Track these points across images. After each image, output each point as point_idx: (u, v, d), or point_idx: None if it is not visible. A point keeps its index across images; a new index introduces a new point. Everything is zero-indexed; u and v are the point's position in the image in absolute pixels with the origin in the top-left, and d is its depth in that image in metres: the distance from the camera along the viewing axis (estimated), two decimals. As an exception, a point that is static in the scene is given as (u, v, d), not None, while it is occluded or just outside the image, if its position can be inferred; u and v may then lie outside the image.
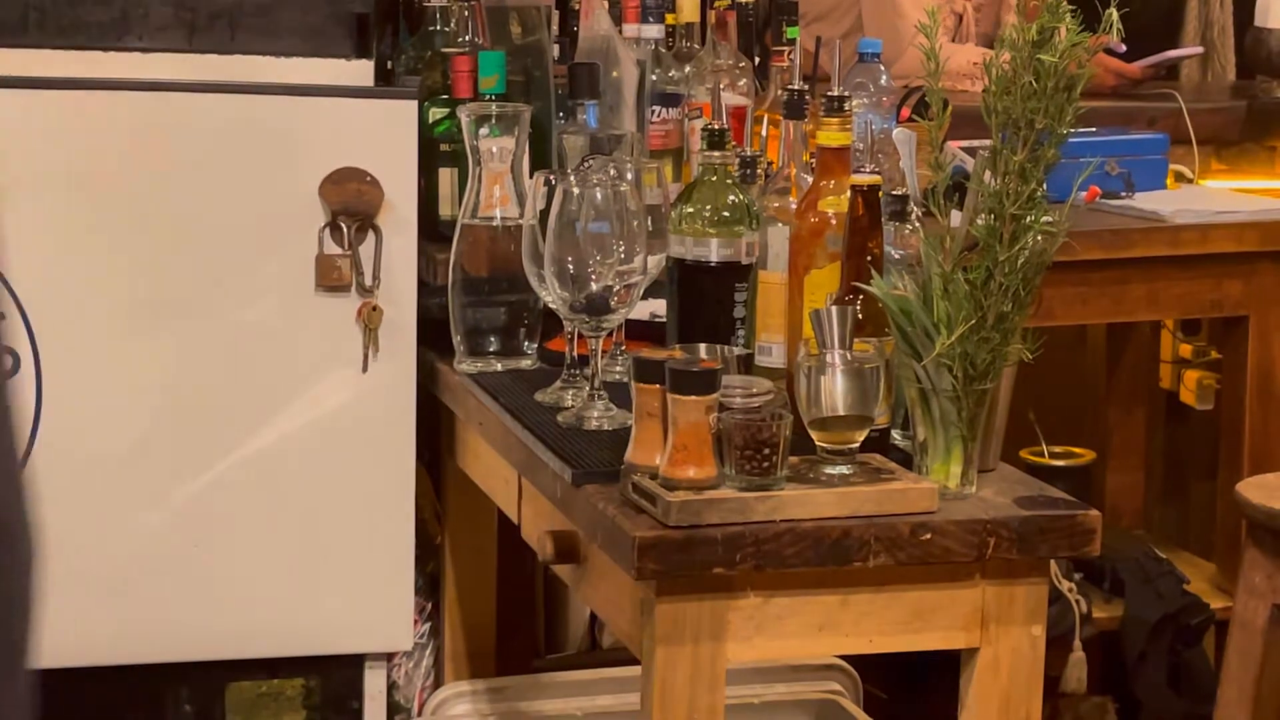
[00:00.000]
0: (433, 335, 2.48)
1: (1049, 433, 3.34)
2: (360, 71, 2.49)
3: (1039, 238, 1.79)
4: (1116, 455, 3.47)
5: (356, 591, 2.49)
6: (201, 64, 2.43)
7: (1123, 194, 3.07)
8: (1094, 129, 3.09)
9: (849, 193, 1.93)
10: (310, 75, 2.46)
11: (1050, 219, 1.79)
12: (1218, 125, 3.48)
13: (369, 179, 2.42)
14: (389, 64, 2.86)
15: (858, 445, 1.84)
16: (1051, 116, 1.71)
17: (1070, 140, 1.80)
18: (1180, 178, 3.24)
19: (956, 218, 1.82)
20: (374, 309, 2.44)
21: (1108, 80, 3.64)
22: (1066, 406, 3.48)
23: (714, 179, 2.09)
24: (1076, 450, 3.40)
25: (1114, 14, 1.66)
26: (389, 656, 2.61)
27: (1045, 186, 1.79)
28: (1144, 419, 3.52)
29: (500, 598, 2.74)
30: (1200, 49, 4.12)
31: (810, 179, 2.03)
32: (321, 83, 2.45)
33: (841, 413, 1.82)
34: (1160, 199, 3.06)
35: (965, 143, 2.76)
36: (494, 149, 2.37)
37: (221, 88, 2.41)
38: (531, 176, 2.26)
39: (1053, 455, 3.36)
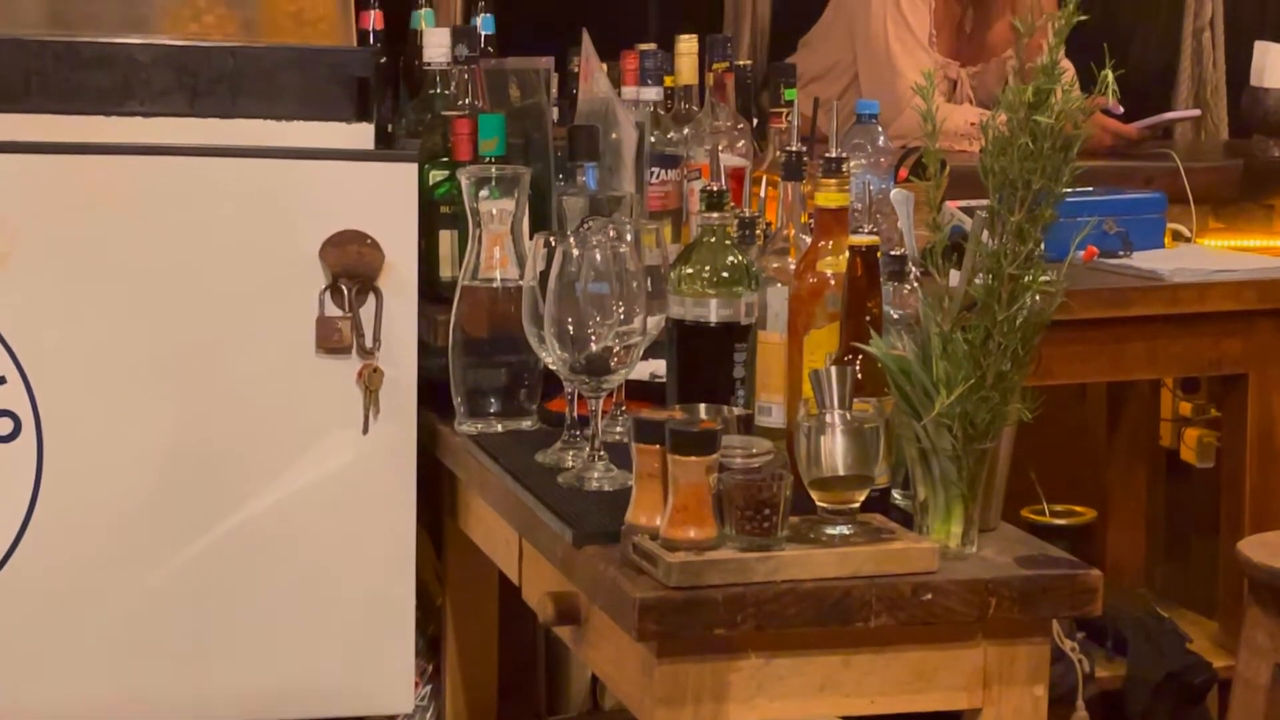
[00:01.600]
0: (433, 396, 2.48)
1: (1050, 491, 3.34)
2: (361, 135, 2.50)
3: (1037, 297, 1.80)
4: (1118, 513, 3.47)
5: (357, 653, 2.48)
6: (203, 128, 2.44)
7: (1121, 253, 3.09)
8: (1091, 188, 3.11)
9: (847, 253, 1.93)
10: (311, 139, 2.47)
11: (1048, 278, 1.79)
12: (1215, 184, 3.50)
13: (370, 241, 2.43)
14: (389, 127, 2.88)
15: (858, 505, 1.84)
16: (1048, 177, 1.72)
17: (1068, 200, 1.80)
18: (1178, 236, 3.25)
19: (955, 277, 1.83)
20: (375, 371, 2.45)
21: (1105, 140, 3.66)
22: (1067, 465, 3.48)
23: (713, 240, 2.10)
24: (1078, 509, 3.40)
25: (1109, 75, 1.67)
26: (390, 719, 2.60)
27: (1043, 246, 1.80)
28: (1145, 477, 3.52)
29: (501, 659, 2.74)
30: (1198, 111, 4.15)
31: (809, 239, 2.04)
32: (322, 146, 2.46)
33: (842, 473, 1.82)
34: (1158, 258, 3.07)
35: (963, 202, 2.77)
36: (494, 211, 2.38)
37: (223, 151, 2.42)
38: (531, 238, 2.27)
39: (1054, 513, 3.36)
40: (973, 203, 2.59)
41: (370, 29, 3.09)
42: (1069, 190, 1.78)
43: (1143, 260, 3.05)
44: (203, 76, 2.45)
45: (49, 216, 2.38)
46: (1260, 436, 3.03)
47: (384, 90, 2.88)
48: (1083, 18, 1.69)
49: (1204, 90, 4.32)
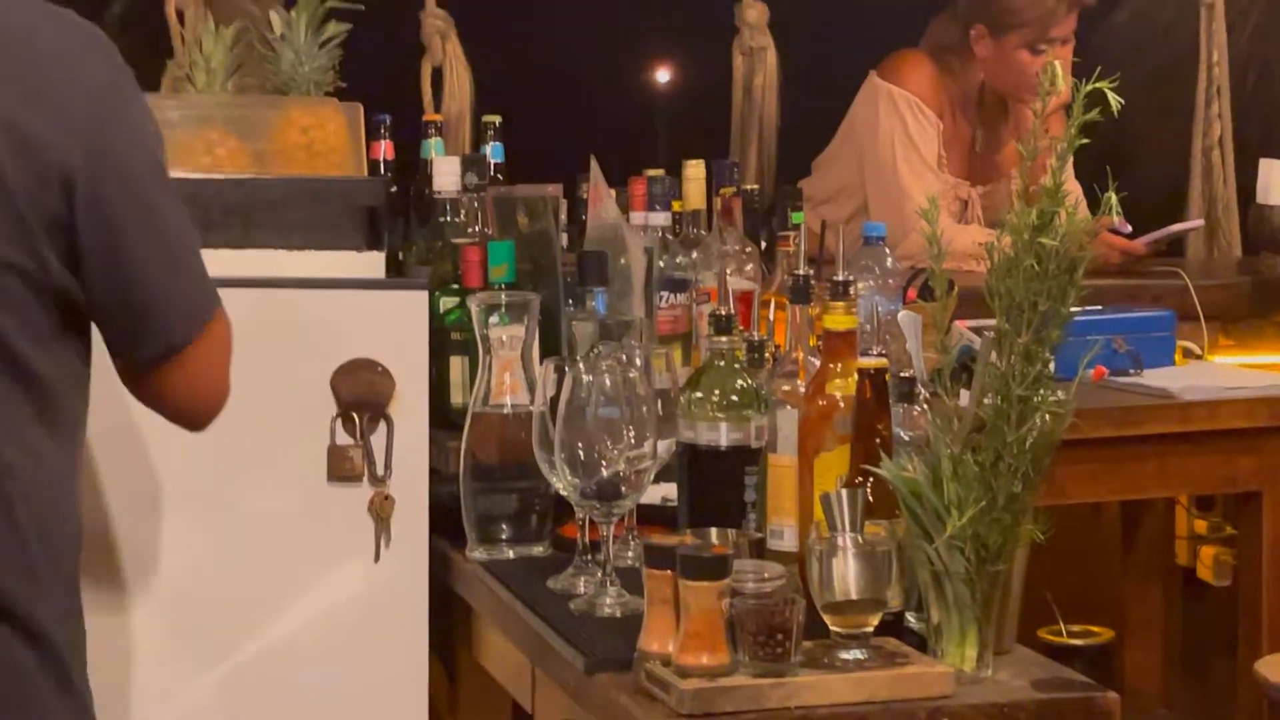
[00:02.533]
0: (445, 523, 2.48)
1: (1066, 611, 3.32)
2: (372, 263, 2.52)
3: (1047, 417, 1.80)
4: (1135, 633, 3.44)
5: (370, 784, 2.46)
6: (215, 259, 2.44)
7: (1131, 371, 3.09)
8: (1100, 306, 3.12)
9: (856, 376, 1.94)
10: (323, 268, 2.48)
11: (1058, 398, 1.79)
12: (1225, 301, 3.50)
13: (380, 369, 2.44)
14: (400, 254, 2.90)
15: (872, 629, 1.83)
16: (1054, 299, 1.72)
17: (1077, 318, 1.81)
18: (1189, 354, 3.25)
19: (966, 398, 1.83)
20: (386, 498, 2.45)
21: (1113, 257, 3.67)
22: (1083, 584, 3.46)
23: (722, 364, 2.11)
24: (1094, 629, 3.38)
25: (1113, 198, 1.68)
26: None
27: (1052, 365, 1.80)
28: (1161, 596, 3.50)
29: (515, 788, 2.71)
30: (1201, 222, 4.16)
31: (818, 362, 2.05)
32: (333, 275, 2.47)
33: (854, 596, 1.81)
34: (1169, 375, 3.07)
35: (972, 322, 2.77)
36: (504, 337, 2.39)
37: (234, 282, 2.43)
38: (541, 363, 2.28)
39: (1070, 634, 3.33)
40: (982, 322, 2.59)
41: (381, 158, 3.11)
42: (1077, 309, 1.79)
43: (1154, 378, 3.05)
44: (214, 209, 2.47)
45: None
46: (1276, 554, 3.01)
47: (395, 218, 2.90)
48: (1084, 141, 1.70)
49: (1215, 208, 4.35)
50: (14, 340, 1.80)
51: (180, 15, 3.68)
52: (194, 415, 1.99)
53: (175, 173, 2.51)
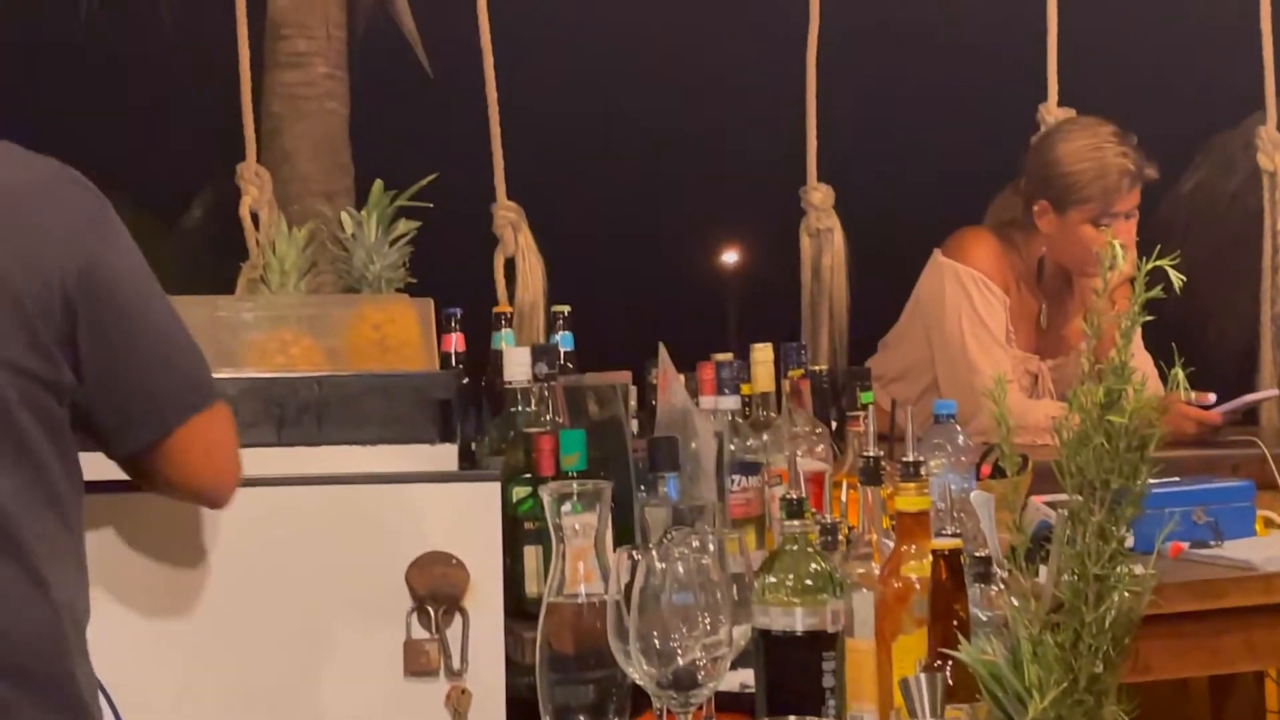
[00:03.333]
0: (522, 715, 2.46)
1: (1158, 791, 3.24)
2: (444, 455, 2.54)
3: (1126, 594, 1.77)
4: (1231, 810, 3.36)
5: None
6: (290, 456, 2.49)
7: (1212, 543, 3.05)
8: (1178, 478, 3.09)
9: (931, 557, 1.93)
10: (396, 462, 2.50)
11: (1137, 573, 1.77)
12: (1303, 469, 3.45)
13: (455, 562, 2.45)
14: (473, 445, 2.92)
15: (956, 816, 1.79)
16: (1126, 476, 1.71)
17: (1154, 491, 1.79)
18: (1270, 523, 3.21)
19: (1044, 575, 1.81)
20: (463, 692, 2.44)
21: (1188, 428, 3.64)
22: (1174, 762, 3.38)
23: (795, 548, 2.10)
24: (1189, 807, 3.29)
25: (1179, 374, 1.68)
26: None
27: (1131, 538, 1.78)
28: (1256, 771, 3.42)
29: None
30: (1276, 392, 4.14)
31: (891, 544, 2.04)
32: (407, 469, 2.49)
33: (937, 783, 1.78)
34: (1250, 546, 3.03)
35: (1049, 497, 2.75)
36: (577, 526, 2.39)
37: (309, 480, 2.46)
38: (615, 551, 2.27)
39: (1164, 814, 3.25)
40: (1057, 497, 2.57)
41: (452, 351, 3.15)
42: (1154, 481, 1.77)
43: (1235, 549, 3.01)
44: (289, 406, 2.50)
45: (135, 551, 2.41)
46: (1371, 726, 2.94)
47: (466, 410, 2.92)
48: (1149, 318, 1.70)
49: (1288, 369, 4.33)
50: (32, 436, 2.03)
51: (254, 217, 3.76)
52: (210, 490, 2.21)
53: (250, 372, 2.57)
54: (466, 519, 2.48)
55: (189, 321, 2.19)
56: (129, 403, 2.11)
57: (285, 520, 2.44)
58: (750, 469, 2.72)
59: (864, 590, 2.07)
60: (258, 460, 2.48)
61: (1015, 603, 1.80)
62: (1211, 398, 3.62)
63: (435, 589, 2.44)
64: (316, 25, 4.71)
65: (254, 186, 3.81)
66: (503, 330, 3.22)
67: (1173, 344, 1.71)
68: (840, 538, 2.21)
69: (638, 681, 2.13)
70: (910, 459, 1.99)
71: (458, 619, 2.45)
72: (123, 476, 2.37)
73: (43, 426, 2.04)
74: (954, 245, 3.98)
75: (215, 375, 2.37)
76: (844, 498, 2.47)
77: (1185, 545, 2.99)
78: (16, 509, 2.01)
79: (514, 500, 2.66)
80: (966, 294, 3.88)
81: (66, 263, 2.03)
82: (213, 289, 3.69)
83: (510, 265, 4.00)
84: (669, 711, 2.11)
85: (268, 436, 2.49)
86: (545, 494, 2.43)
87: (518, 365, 2.87)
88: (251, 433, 2.48)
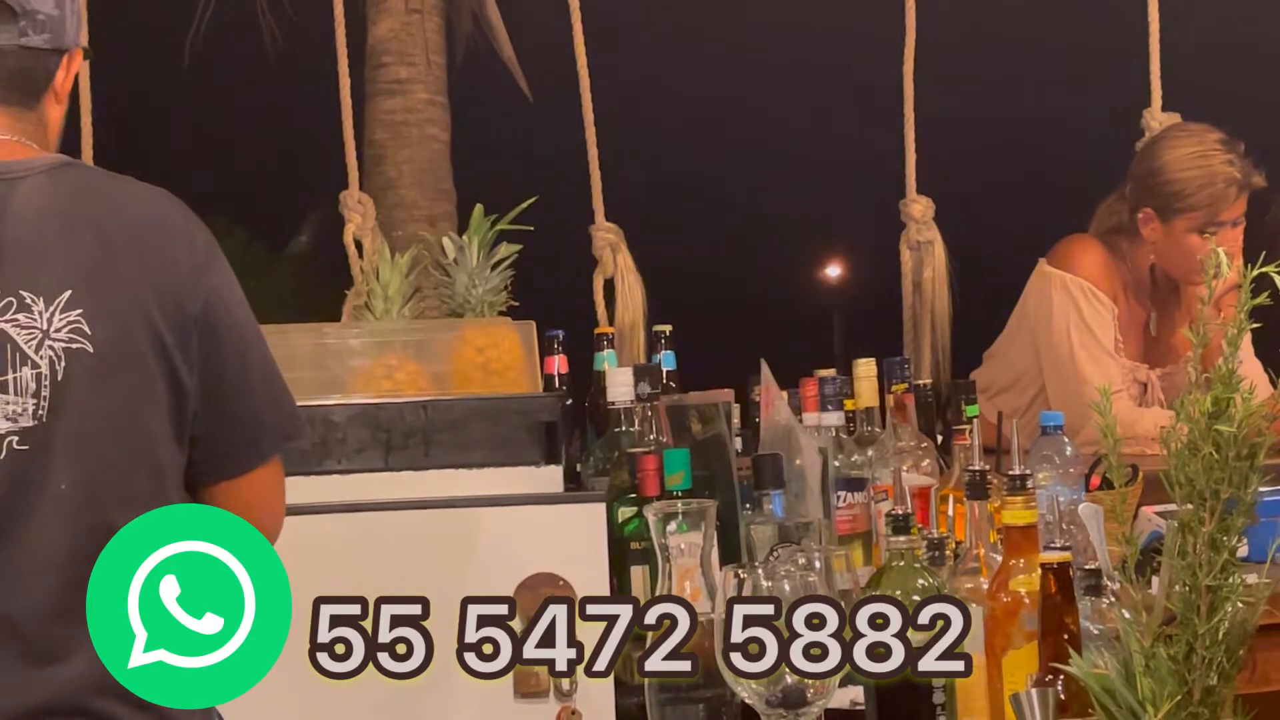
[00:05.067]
0: (632, 735, 2.47)
1: (1280, 803, 3.18)
2: (550, 477, 2.55)
3: (1239, 605, 1.75)
4: (1356, 823, 3.29)
5: None
6: (398, 481, 2.51)
7: (1327, 549, 2.99)
8: (1292, 485, 3.04)
9: (1039, 570, 1.91)
10: (502, 484, 2.52)
11: (1250, 581, 1.74)
12: None
13: (561, 583, 2.46)
14: (578, 466, 2.93)
15: (1071, 832, 1.78)
16: (1236, 485, 1.69)
17: (1266, 499, 1.77)
18: (1387, 528, 3.15)
19: (1156, 585, 1.79)
20: (573, 713, 2.45)
21: (1301, 434, 3.58)
22: (1296, 774, 3.32)
23: (902, 563, 2.09)
24: (1312, 820, 3.23)
25: (1288, 380, 1.65)
26: None
27: (1244, 547, 1.76)
28: (1381, 782, 3.35)
29: None
30: (1388, 396, 4.06)
31: (999, 558, 2.02)
32: (513, 491, 2.51)
33: (1051, 798, 1.76)
34: (1369, 552, 2.97)
35: (1160, 507, 2.72)
36: (682, 545, 2.40)
37: (416, 504, 2.48)
38: (721, 569, 2.27)
39: (1287, 827, 3.19)
40: (1168, 507, 2.54)
41: (555, 373, 3.17)
42: (1267, 489, 1.74)
43: (1352, 556, 2.96)
44: (396, 431, 2.53)
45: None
46: None
47: (571, 431, 2.94)
48: (1256, 325, 1.68)
49: (1401, 379, 4.25)
50: (168, 473, 2.08)
51: (358, 245, 3.80)
52: (275, 528, 2.24)
53: (357, 398, 2.60)
54: (572, 540, 2.49)
55: (297, 349, 2.23)
56: (234, 433, 2.15)
57: (393, 544, 2.46)
58: (855, 485, 2.71)
59: (973, 605, 2.05)
60: (366, 485, 2.51)
61: (1126, 615, 1.78)
62: (1328, 399, 3.55)
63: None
64: (416, 52, 4.74)
65: (357, 214, 3.85)
66: (605, 351, 3.23)
67: (1281, 351, 1.69)
68: (947, 552, 2.20)
69: (746, 700, 2.13)
70: (1017, 472, 1.98)
71: (566, 640, 2.46)
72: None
73: (178, 462, 2.09)
74: (1060, 254, 3.94)
75: (322, 402, 2.41)
76: (950, 512, 2.46)
77: (1299, 554, 2.94)
78: None
79: (619, 521, 2.66)
80: (1074, 303, 3.85)
81: (195, 295, 2.08)
82: (320, 316, 3.73)
83: (610, 286, 4.01)
84: (779, 730, 2.10)
85: (375, 462, 2.52)
86: (650, 514, 2.43)
87: (620, 386, 2.88)
88: (359, 458, 2.51)
